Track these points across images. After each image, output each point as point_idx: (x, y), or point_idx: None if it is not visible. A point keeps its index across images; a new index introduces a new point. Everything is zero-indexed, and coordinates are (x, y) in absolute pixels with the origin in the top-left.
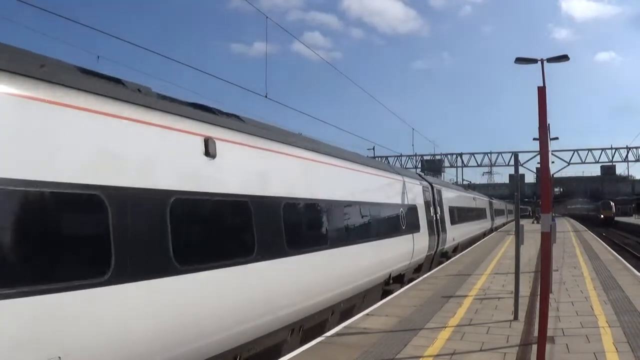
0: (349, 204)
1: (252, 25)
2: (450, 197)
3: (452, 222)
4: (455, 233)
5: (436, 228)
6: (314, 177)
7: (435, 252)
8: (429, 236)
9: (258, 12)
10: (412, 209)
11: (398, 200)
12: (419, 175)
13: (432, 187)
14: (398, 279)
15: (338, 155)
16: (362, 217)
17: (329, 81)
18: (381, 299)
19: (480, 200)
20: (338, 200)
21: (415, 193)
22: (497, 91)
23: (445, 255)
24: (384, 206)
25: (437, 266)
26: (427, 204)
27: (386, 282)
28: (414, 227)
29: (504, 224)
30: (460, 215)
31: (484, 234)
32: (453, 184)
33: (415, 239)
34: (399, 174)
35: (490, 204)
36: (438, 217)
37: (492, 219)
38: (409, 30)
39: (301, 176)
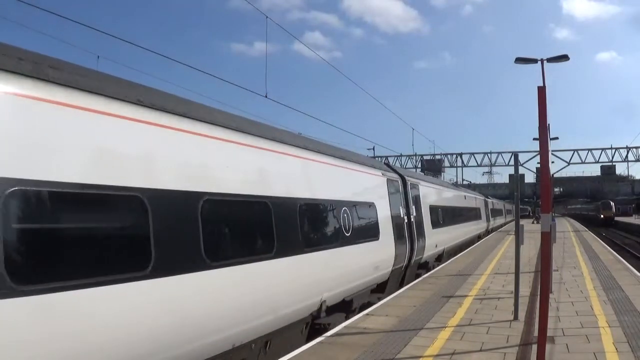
0: (234, 199)
1: (252, 25)
2: (432, 194)
3: (435, 225)
4: (439, 238)
5: (409, 233)
6: (166, 153)
7: (407, 264)
8: (395, 244)
9: (258, 12)
10: (366, 209)
11: (336, 196)
12: (387, 165)
13: (405, 181)
14: (342, 307)
15: (215, 122)
16: (256, 221)
17: (329, 81)
18: (310, 339)
19: (473, 199)
20: (212, 192)
21: (372, 187)
22: (498, 91)
23: (425, 267)
24: (305, 203)
25: (412, 280)
26: (393, 202)
27: (315, 315)
28: (367, 234)
29: (502, 225)
30: (447, 216)
31: (479, 237)
32: (452, 183)
33: (369, 249)
34: (339, 157)
35: (486, 203)
36: (413, 219)
37: (488, 220)
38: (410, 29)
39: (143, 151)
